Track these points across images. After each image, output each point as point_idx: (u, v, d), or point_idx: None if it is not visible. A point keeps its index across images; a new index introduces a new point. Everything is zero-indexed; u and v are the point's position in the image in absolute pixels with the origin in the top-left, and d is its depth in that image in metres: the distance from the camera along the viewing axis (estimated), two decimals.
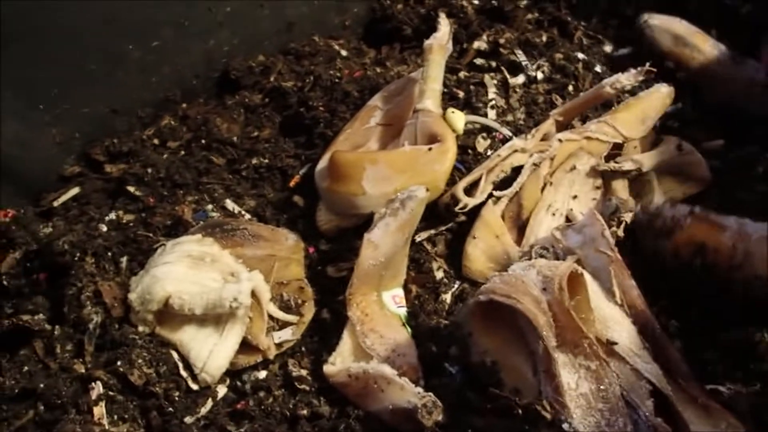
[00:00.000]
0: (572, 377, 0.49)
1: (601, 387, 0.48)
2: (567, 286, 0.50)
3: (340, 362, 0.59)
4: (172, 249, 0.63)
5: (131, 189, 0.73)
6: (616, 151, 0.68)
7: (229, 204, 0.72)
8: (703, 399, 0.51)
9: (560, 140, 0.66)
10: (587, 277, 0.52)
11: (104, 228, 0.69)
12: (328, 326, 0.63)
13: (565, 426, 0.46)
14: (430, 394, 0.54)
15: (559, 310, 0.49)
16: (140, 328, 0.60)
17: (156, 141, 0.79)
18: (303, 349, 0.63)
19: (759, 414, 0.53)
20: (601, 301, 0.53)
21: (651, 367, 0.50)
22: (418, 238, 0.67)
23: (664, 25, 0.81)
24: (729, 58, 0.78)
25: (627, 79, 0.67)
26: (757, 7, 0.86)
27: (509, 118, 0.75)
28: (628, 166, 0.66)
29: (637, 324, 0.53)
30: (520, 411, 0.49)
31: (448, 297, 0.64)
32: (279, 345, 0.62)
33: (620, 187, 0.66)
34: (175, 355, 0.60)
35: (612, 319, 0.52)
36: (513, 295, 0.50)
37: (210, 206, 0.71)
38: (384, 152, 0.69)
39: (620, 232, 0.62)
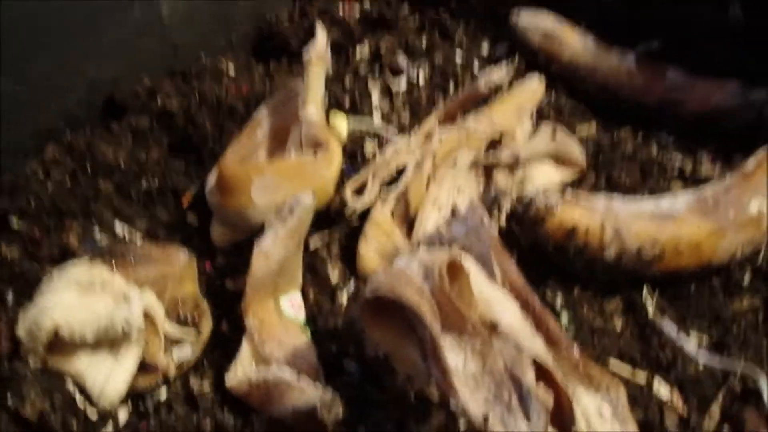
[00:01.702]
0: (459, 359, 0.50)
1: (487, 364, 0.50)
2: (448, 273, 0.52)
3: (240, 372, 0.59)
4: (59, 278, 0.62)
5: (15, 223, 0.71)
6: (496, 143, 0.71)
7: (119, 228, 0.71)
8: (584, 364, 0.53)
9: (440, 138, 0.69)
10: (467, 262, 0.54)
11: None
12: (229, 339, 0.63)
13: (452, 405, 0.48)
14: (329, 391, 0.55)
15: (441, 297, 0.51)
16: (31, 363, 0.59)
17: (40, 173, 0.77)
18: (204, 364, 0.63)
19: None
20: (483, 285, 0.55)
21: (532, 341, 0.52)
22: (312, 245, 0.68)
23: (533, 22, 0.85)
24: (596, 47, 0.82)
25: (498, 75, 0.71)
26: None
27: (394, 120, 0.78)
28: (505, 157, 0.69)
29: (519, 302, 0.55)
30: (412, 397, 0.50)
31: (344, 297, 0.65)
32: (179, 364, 0.62)
33: (501, 178, 0.69)
34: (70, 385, 0.59)
35: (495, 300, 0.54)
36: (396, 288, 0.51)
37: (97, 232, 0.70)
38: (270, 162, 0.70)
39: (503, 220, 0.64)
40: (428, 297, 0.51)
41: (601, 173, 0.74)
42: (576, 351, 0.54)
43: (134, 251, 0.65)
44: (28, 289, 0.64)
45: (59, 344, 0.59)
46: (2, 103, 0.75)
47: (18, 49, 0.74)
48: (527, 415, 0.49)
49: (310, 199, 0.62)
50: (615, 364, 0.60)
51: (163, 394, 0.61)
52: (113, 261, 0.64)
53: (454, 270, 0.53)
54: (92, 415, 0.58)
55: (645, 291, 0.64)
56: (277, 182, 0.66)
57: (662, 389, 0.58)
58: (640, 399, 0.57)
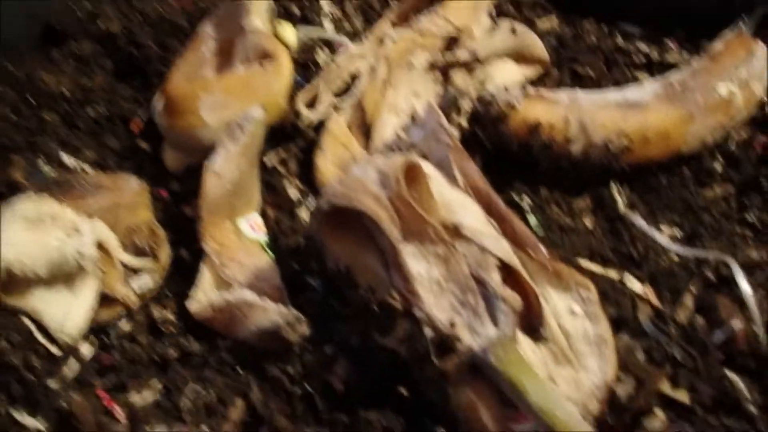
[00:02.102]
0: (421, 265, 0.49)
1: (450, 269, 0.49)
2: (406, 178, 0.50)
3: (202, 297, 0.58)
4: (5, 214, 0.59)
5: None
6: (453, 43, 0.68)
7: (66, 159, 0.68)
8: (553, 264, 0.52)
9: (393, 40, 0.65)
10: (425, 166, 0.52)
11: None
12: (189, 266, 0.62)
13: (416, 312, 0.47)
14: (292, 309, 0.53)
15: (400, 203, 0.49)
16: None
17: None
18: (166, 292, 0.61)
19: None
20: (444, 188, 0.53)
21: (497, 242, 0.50)
22: (269, 162, 0.66)
23: None
24: None
25: None
26: None
27: (347, 26, 0.74)
28: (463, 55, 0.65)
29: (482, 204, 0.53)
30: (375, 307, 0.49)
31: (304, 213, 0.63)
32: (140, 293, 0.60)
33: (459, 78, 0.66)
34: (28, 322, 0.57)
35: (456, 203, 0.52)
36: (352, 197, 0.49)
37: (44, 164, 0.66)
38: (217, 78, 0.67)
39: (463, 122, 0.62)
40: (386, 204, 0.49)
41: (564, 67, 0.72)
42: (543, 250, 0.53)
43: (83, 182, 0.63)
44: None
45: (13, 282, 0.57)
46: None
47: None
48: (494, 319, 0.48)
49: (260, 113, 0.59)
50: (585, 262, 0.59)
51: (125, 325, 0.59)
52: (61, 193, 0.61)
53: (413, 175, 0.51)
54: (54, 350, 0.57)
55: (614, 186, 0.63)
56: (227, 99, 0.63)
57: (635, 283, 0.57)
58: (612, 295, 0.56)
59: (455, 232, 0.51)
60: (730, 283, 0.55)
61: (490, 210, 0.54)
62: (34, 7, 0.79)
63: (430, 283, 0.49)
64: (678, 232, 0.61)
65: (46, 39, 0.80)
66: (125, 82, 0.75)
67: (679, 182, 0.63)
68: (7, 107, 0.73)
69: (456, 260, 0.49)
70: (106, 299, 0.59)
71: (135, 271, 0.61)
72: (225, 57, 0.69)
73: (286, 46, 0.67)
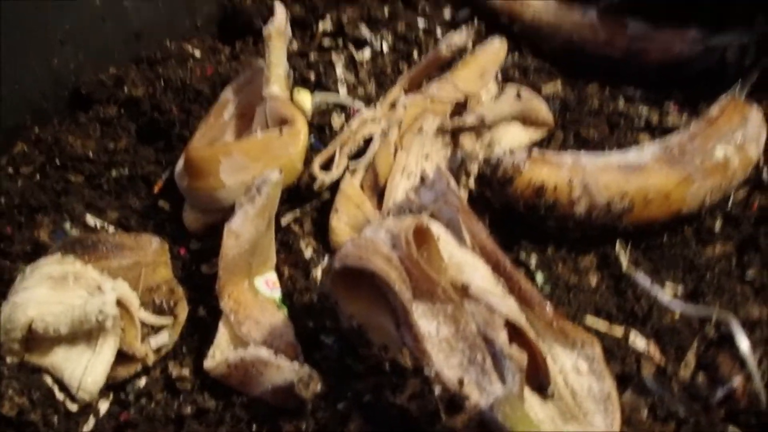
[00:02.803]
0: (431, 325, 0.51)
1: (459, 328, 0.50)
2: (416, 239, 0.52)
3: (218, 355, 0.60)
4: (31, 273, 0.61)
5: None
6: (461, 107, 0.71)
7: (90, 219, 0.70)
8: (559, 322, 0.54)
9: (405, 105, 0.68)
10: (435, 227, 0.54)
11: None
12: (206, 323, 0.63)
13: (426, 371, 0.48)
14: (306, 367, 0.55)
15: (410, 263, 0.51)
16: (8, 360, 0.59)
17: (9, 170, 0.77)
18: (183, 349, 0.63)
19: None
20: (453, 249, 0.55)
21: (504, 301, 0.52)
22: (284, 221, 0.68)
23: None
24: (556, 5, 0.82)
25: (459, 38, 0.70)
26: None
27: (360, 92, 0.77)
28: (471, 120, 0.68)
29: (490, 264, 0.55)
30: (387, 365, 0.50)
31: (318, 272, 0.65)
32: (157, 350, 0.62)
33: (467, 141, 0.69)
34: (48, 379, 0.59)
35: (465, 263, 0.54)
36: (364, 257, 0.51)
37: (69, 225, 0.69)
38: (237, 142, 0.70)
39: (471, 183, 0.64)
40: (397, 264, 0.51)
41: (569, 130, 0.74)
42: (549, 309, 0.54)
43: (106, 241, 0.65)
44: (1, 286, 0.64)
45: (35, 339, 0.59)
46: None
47: None
48: (502, 377, 0.49)
49: (277, 175, 0.62)
50: (591, 319, 0.60)
51: (142, 382, 0.61)
52: (85, 253, 0.64)
53: (422, 236, 0.53)
54: (73, 408, 0.58)
55: (618, 245, 0.65)
56: (245, 162, 0.66)
57: (639, 341, 0.59)
58: (617, 352, 0.58)
59: (464, 291, 0.53)
60: (732, 341, 0.56)
61: (497, 269, 0.56)
62: (63, 72, 0.83)
63: (439, 342, 0.50)
64: (680, 290, 0.63)
65: (74, 103, 0.84)
66: (148, 145, 0.79)
67: (681, 241, 0.65)
68: (35, 169, 0.77)
69: (465, 319, 0.51)
70: (123, 356, 0.61)
71: (153, 328, 0.63)
72: (245, 121, 0.72)
73: (303, 111, 0.70)
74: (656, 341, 0.59)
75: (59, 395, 0.58)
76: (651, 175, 0.62)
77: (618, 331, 0.60)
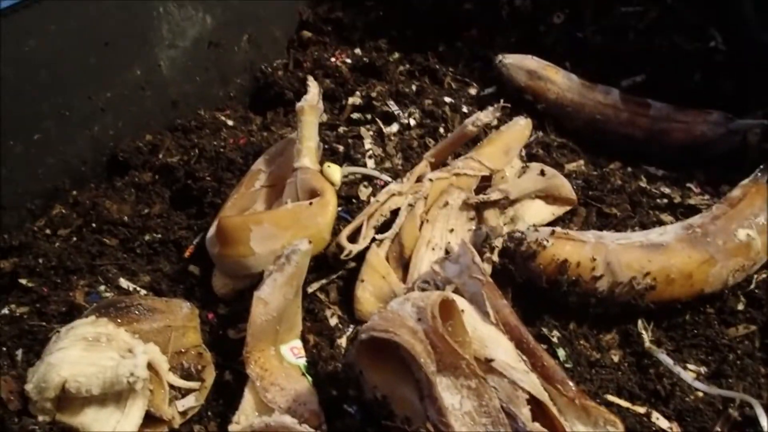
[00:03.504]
0: (455, 398, 0.51)
1: (482, 403, 0.51)
2: (441, 312, 0.53)
3: (243, 420, 0.60)
4: (66, 334, 0.63)
5: (23, 281, 0.73)
6: (486, 182, 0.73)
7: (123, 282, 0.72)
8: (581, 399, 0.54)
9: (431, 179, 0.71)
10: (459, 302, 0.56)
11: None
12: (232, 388, 0.64)
13: None
14: None
15: (435, 337, 0.52)
16: (40, 418, 0.60)
17: (47, 231, 0.80)
18: (208, 413, 0.64)
19: None
20: (477, 323, 0.56)
21: (527, 377, 0.53)
22: (310, 289, 0.70)
23: (517, 63, 0.87)
24: (580, 85, 0.85)
25: (486, 115, 0.73)
26: (606, 39, 0.94)
27: (387, 165, 0.80)
28: (495, 195, 0.70)
29: (513, 339, 0.56)
30: None
31: (343, 341, 0.66)
32: (183, 413, 0.63)
33: (491, 216, 0.70)
34: None
35: (488, 338, 0.55)
36: (390, 329, 0.52)
37: (103, 287, 0.71)
38: (267, 212, 0.72)
39: (495, 258, 0.66)
40: (422, 337, 0.52)
41: (591, 207, 0.76)
42: (572, 386, 0.55)
43: (138, 305, 0.67)
44: (36, 345, 0.66)
45: (67, 399, 0.61)
46: (9, 164, 0.78)
47: (22, 110, 0.77)
48: None
49: (306, 245, 0.63)
50: (613, 397, 0.61)
51: None
52: (118, 315, 0.65)
53: (448, 310, 0.55)
54: None
55: (640, 322, 0.65)
56: (275, 231, 0.68)
57: (661, 421, 0.59)
58: (639, 431, 0.58)
59: (487, 366, 0.54)
60: (755, 423, 0.56)
61: (520, 345, 0.57)
62: (102, 138, 0.87)
63: (462, 416, 0.51)
64: (703, 370, 0.63)
65: (111, 168, 0.87)
66: (181, 211, 0.81)
67: (704, 321, 0.66)
68: (71, 231, 0.80)
69: (488, 394, 0.51)
70: (151, 418, 0.62)
71: (180, 391, 0.64)
72: (275, 191, 0.75)
73: (332, 183, 0.73)
74: (679, 421, 0.59)
75: None
76: (673, 255, 0.63)
77: (640, 409, 0.60)
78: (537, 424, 0.50)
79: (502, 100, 0.72)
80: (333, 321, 0.68)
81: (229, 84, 0.99)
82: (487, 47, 0.97)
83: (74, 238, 0.79)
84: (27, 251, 0.76)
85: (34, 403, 0.60)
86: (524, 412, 0.51)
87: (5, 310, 0.71)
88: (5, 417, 0.60)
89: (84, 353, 0.62)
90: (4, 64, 0.73)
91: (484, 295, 0.58)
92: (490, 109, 0.73)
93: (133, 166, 0.86)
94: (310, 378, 0.64)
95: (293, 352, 0.65)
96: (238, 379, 0.64)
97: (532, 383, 0.53)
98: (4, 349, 0.66)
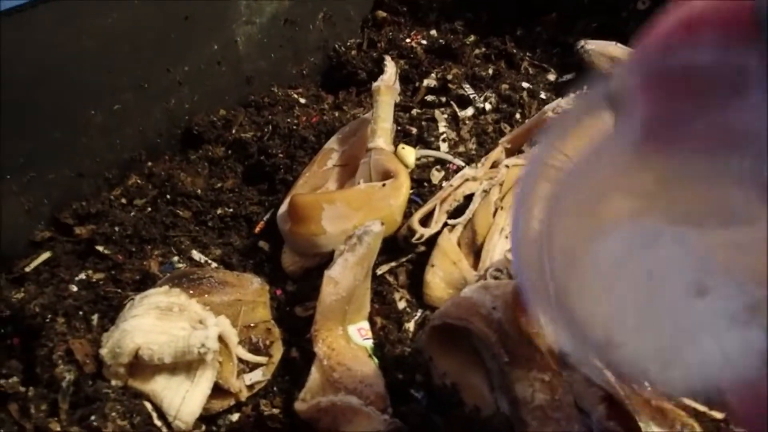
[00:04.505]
0: (527, 391, 0.51)
1: (555, 397, 0.50)
2: (516, 303, 0.52)
3: (309, 398, 0.61)
4: (140, 302, 0.65)
5: (100, 248, 0.74)
6: None
7: (196, 254, 0.74)
8: (656, 400, 0.52)
9: (507, 166, 0.69)
10: None
11: (74, 288, 0.70)
12: (298, 365, 0.65)
13: None
14: (396, 420, 0.55)
15: (510, 327, 0.51)
16: (113, 382, 0.62)
17: (123, 200, 0.81)
18: (274, 388, 0.64)
19: None
20: None
21: (602, 374, 0.52)
22: (379, 271, 0.69)
23: (600, 49, 0.85)
24: None
25: (567, 102, 0.71)
26: None
27: (461, 149, 0.78)
28: None
29: None
30: (480, 428, 0.50)
31: (411, 325, 0.66)
32: (250, 387, 0.64)
33: None
34: (148, 405, 0.61)
35: None
36: (464, 317, 0.52)
37: (176, 258, 0.73)
38: (340, 191, 0.72)
39: None
40: (497, 327, 0.52)
41: None
42: (647, 385, 0.53)
43: (210, 277, 0.68)
44: (111, 312, 0.68)
45: (139, 365, 0.62)
46: (89, 133, 0.80)
47: (102, 81, 0.79)
48: None
49: (379, 227, 0.63)
50: (689, 400, 0.59)
51: (234, 416, 0.63)
52: (190, 287, 0.67)
53: (522, 300, 0.53)
54: None
55: None
56: (347, 211, 0.68)
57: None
58: None
59: (561, 359, 0.52)
60: None
61: None
62: (177, 112, 0.88)
63: (534, 409, 0.50)
64: None
65: (185, 142, 0.88)
66: (252, 186, 0.82)
67: None
68: (146, 202, 0.81)
69: (561, 389, 0.50)
70: (218, 390, 0.63)
71: (248, 365, 0.65)
72: (347, 171, 0.75)
73: (406, 165, 0.72)
74: None
75: (157, 422, 0.60)
76: None
77: (717, 414, 0.58)
78: (611, 422, 0.49)
79: (585, 88, 0.70)
80: (401, 304, 0.67)
81: (302, 62, 0.99)
82: (567, 33, 0.94)
83: (149, 209, 0.80)
84: (104, 219, 0.78)
85: (108, 368, 0.62)
86: (599, 409, 0.49)
87: (82, 276, 0.73)
88: (80, 380, 0.62)
89: (157, 322, 0.63)
90: (87, 36, 0.75)
91: None
92: (572, 96, 0.71)
93: (207, 140, 0.87)
94: (376, 360, 0.63)
95: (360, 333, 0.65)
96: (305, 357, 0.65)
97: (607, 380, 0.51)
98: (80, 313, 0.67)
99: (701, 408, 0.58)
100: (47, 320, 0.65)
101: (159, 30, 0.81)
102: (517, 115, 0.82)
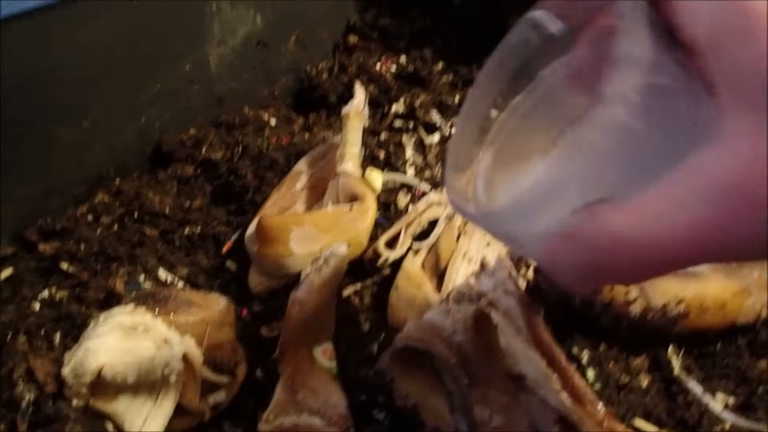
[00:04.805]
0: (485, 412, 0.52)
1: (512, 419, 0.52)
2: (476, 326, 0.54)
3: (273, 418, 0.61)
4: (104, 321, 0.65)
5: (64, 266, 0.74)
6: None
7: (162, 273, 0.74)
8: (609, 422, 0.54)
9: None
10: (495, 317, 0.56)
11: (37, 306, 0.70)
12: (262, 386, 0.66)
13: None
14: None
15: (469, 350, 0.53)
16: (74, 402, 0.61)
17: (90, 217, 0.81)
18: (238, 409, 0.65)
19: None
20: (510, 339, 0.57)
21: (557, 396, 0.53)
22: (345, 293, 0.71)
23: None
24: None
25: None
26: None
27: (427, 174, 0.80)
28: None
29: (545, 357, 0.57)
30: None
31: (375, 347, 0.67)
32: (214, 407, 0.64)
33: None
34: (110, 426, 0.61)
35: (521, 354, 0.56)
36: (426, 339, 0.53)
37: (142, 277, 0.73)
38: (308, 213, 0.73)
39: (530, 275, 0.66)
40: (457, 350, 0.53)
41: None
42: (601, 408, 0.55)
43: (176, 297, 0.68)
44: (74, 330, 0.68)
45: (101, 386, 0.62)
46: (58, 149, 0.80)
47: (72, 97, 0.79)
48: None
49: (345, 249, 0.64)
50: (640, 421, 0.61)
51: None
52: (156, 306, 0.67)
53: (482, 324, 0.55)
54: None
55: (671, 348, 0.65)
56: (315, 233, 0.69)
57: None
58: None
59: (518, 382, 0.54)
60: None
61: (552, 363, 0.57)
62: (147, 130, 0.88)
63: (492, 430, 0.52)
64: (732, 401, 0.63)
65: (155, 160, 0.89)
66: (221, 206, 0.83)
67: (734, 351, 0.66)
68: (113, 220, 0.81)
69: (518, 410, 0.52)
70: (181, 410, 0.63)
71: (212, 384, 0.65)
72: (316, 193, 0.76)
73: (373, 189, 0.74)
74: None
75: None
76: (708, 284, 0.63)
77: None
78: None
79: None
80: (366, 326, 0.68)
81: (274, 83, 1.00)
82: None
83: (116, 227, 0.80)
84: (69, 236, 0.78)
85: (70, 387, 0.62)
86: (554, 431, 0.51)
87: (45, 293, 0.73)
88: (40, 399, 0.61)
89: (121, 341, 0.63)
90: (58, 53, 0.75)
91: (518, 310, 0.59)
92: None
93: (177, 159, 0.88)
94: (339, 381, 0.64)
95: (325, 354, 0.66)
96: (269, 377, 0.65)
97: (562, 402, 0.53)
98: (43, 332, 0.67)
99: (651, 429, 0.60)
100: (8, 338, 0.65)
101: (131, 48, 0.82)
102: None
